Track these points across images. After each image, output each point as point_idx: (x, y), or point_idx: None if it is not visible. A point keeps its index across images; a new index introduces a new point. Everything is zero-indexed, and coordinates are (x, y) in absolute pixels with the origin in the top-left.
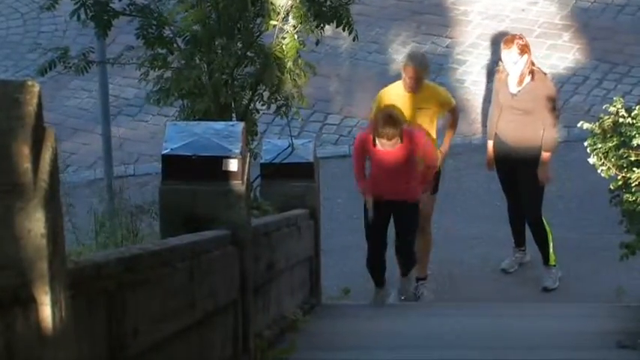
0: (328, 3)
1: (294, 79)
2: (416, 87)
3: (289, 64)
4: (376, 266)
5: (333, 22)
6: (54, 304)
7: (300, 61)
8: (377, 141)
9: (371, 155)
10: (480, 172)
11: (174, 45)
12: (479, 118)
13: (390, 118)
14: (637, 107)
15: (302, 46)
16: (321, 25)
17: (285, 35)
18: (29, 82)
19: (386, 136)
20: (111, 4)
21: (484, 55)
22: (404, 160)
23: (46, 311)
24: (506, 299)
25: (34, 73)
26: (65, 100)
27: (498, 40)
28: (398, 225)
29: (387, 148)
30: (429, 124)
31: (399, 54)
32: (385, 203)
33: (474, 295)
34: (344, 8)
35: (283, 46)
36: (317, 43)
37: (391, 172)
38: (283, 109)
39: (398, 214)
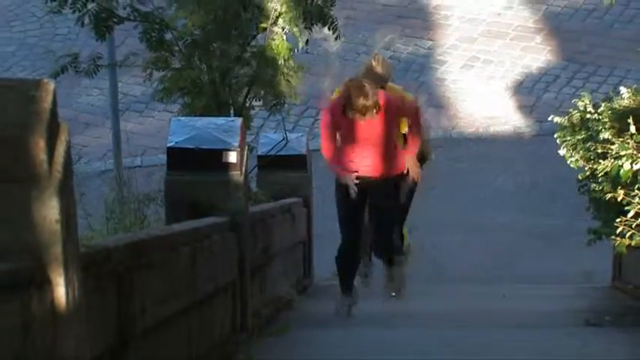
0: (314, 3)
1: (287, 80)
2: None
3: (280, 62)
4: (349, 262)
5: (319, 22)
6: (67, 284)
7: (291, 61)
8: (349, 112)
9: (342, 127)
10: (459, 163)
11: (176, 48)
12: (458, 113)
13: (363, 87)
14: (603, 104)
15: (292, 47)
16: (309, 25)
17: (274, 37)
18: (44, 81)
19: (362, 108)
20: (116, 11)
21: (463, 56)
22: (381, 129)
23: (60, 291)
24: (484, 281)
25: (49, 74)
26: (78, 97)
27: (476, 43)
28: (374, 210)
29: (361, 118)
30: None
31: (385, 55)
32: (361, 182)
33: (454, 276)
34: (328, 9)
35: (273, 47)
36: (307, 42)
37: (367, 143)
38: (277, 106)
39: (375, 195)
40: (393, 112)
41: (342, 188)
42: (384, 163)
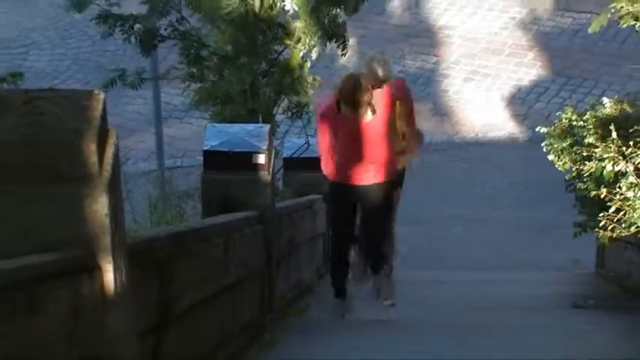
0: (331, 24)
1: (305, 91)
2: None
3: (297, 73)
4: (342, 266)
5: (333, 39)
6: (115, 271)
7: (307, 74)
8: (343, 109)
9: (338, 128)
10: (461, 164)
11: (210, 62)
12: (460, 120)
13: (358, 83)
14: (588, 113)
15: (306, 61)
16: (325, 42)
17: (295, 52)
18: (95, 92)
19: (359, 104)
20: (159, 31)
21: (464, 70)
22: (376, 131)
23: (109, 277)
24: (481, 268)
25: (99, 85)
26: (125, 106)
27: (476, 58)
28: (365, 215)
29: (355, 117)
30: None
31: (395, 69)
32: (353, 188)
33: (455, 264)
34: (342, 28)
35: (294, 60)
36: (318, 54)
37: (361, 145)
38: (298, 114)
39: (367, 199)
40: (392, 105)
41: (334, 189)
42: (378, 166)
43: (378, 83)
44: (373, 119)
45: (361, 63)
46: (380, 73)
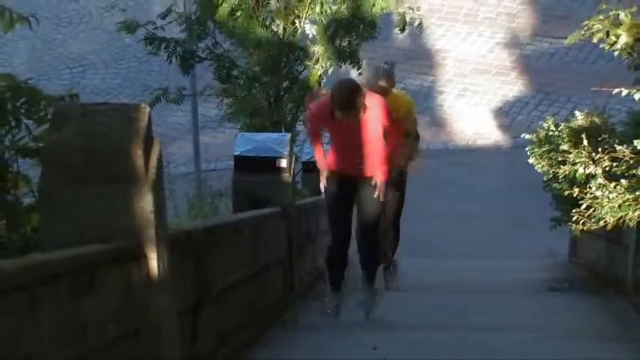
0: (346, 48)
1: None
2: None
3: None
4: (339, 260)
5: (348, 60)
6: (159, 258)
7: (324, 90)
8: (336, 112)
9: (329, 127)
10: (453, 168)
11: (240, 81)
12: (453, 130)
13: (351, 88)
14: (562, 124)
15: (323, 79)
16: (340, 63)
17: (313, 72)
18: (142, 105)
19: (348, 109)
20: (197, 53)
21: (457, 88)
22: (367, 129)
23: (153, 264)
24: (468, 257)
25: (146, 101)
26: (167, 117)
27: (467, 77)
28: (361, 209)
29: (348, 120)
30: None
31: (398, 86)
32: (349, 180)
33: (447, 252)
34: (355, 52)
35: (312, 79)
36: (328, 71)
37: (354, 143)
38: None
39: (363, 195)
40: (378, 116)
41: (331, 187)
42: (369, 166)
43: (379, 89)
44: (364, 121)
45: (370, 69)
46: (382, 83)
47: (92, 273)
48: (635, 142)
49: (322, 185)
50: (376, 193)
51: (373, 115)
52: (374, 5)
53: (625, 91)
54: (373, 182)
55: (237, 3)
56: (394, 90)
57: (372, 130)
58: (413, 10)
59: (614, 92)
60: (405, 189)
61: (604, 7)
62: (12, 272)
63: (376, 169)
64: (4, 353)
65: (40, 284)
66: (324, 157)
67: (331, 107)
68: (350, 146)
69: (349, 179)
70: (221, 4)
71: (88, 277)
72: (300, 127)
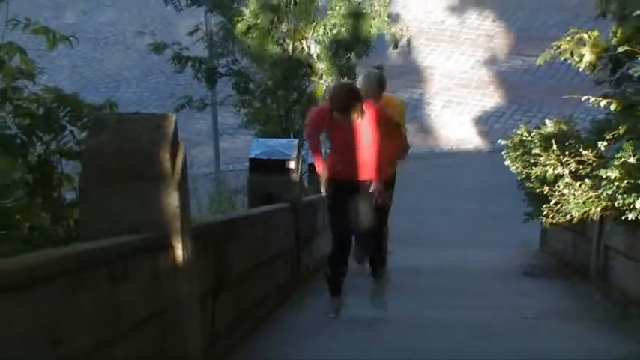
0: (345, 65)
1: None
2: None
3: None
4: (340, 263)
5: (346, 76)
6: (183, 248)
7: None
8: (335, 115)
9: (329, 130)
10: (439, 170)
11: (255, 93)
12: (439, 137)
13: (350, 90)
14: (534, 131)
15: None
16: (342, 78)
17: (318, 86)
18: (169, 114)
19: (347, 109)
20: (218, 69)
21: (443, 100)
22: (364, 134)
23: (179, 252)
24: (451, 246)
25: (172, 110)
26: (191, 125)
27: (451, 90)
28: (359, 212)
29: (346, 123)
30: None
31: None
32: (348, 186)
33: (431, 242)
34: (353, 68)
35: (318, 92)
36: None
37: (352, 147)
38: None
39: (360, 198)
40: (378, 121)
41: (331, 190)
42: (367, 169)
43: (372, 93)
44: (362, 124)
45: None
46: (373, 86)
47: (125, 260)
48: (600, 144)
49: (323, 190)
50: (374, 195)
51: (369, 120)
52: (371, 28)
53: (592, 99)
54: (371, 187)
55: (253, 22)
56: (386, 93)
57: (369, 135)
58: (402, 30)
59: (582, 99)
60: (393, 191)
61: (571, 30)
62: (56, 259)
63: (373, 173)
64: (51, 330)
65: (81, 270)
66: (323, 163)
67: (330, 110)
68: (348, 150)
69: (348, 185)
70: (239, 22)
71: (122, 263)
72: None
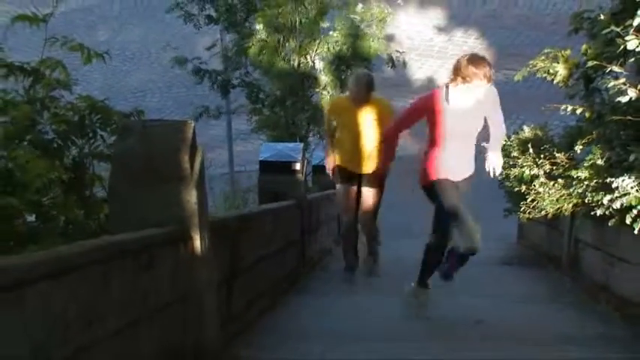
0: (346, 78)
1: None
2: (363, 99)
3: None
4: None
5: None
6: (201, 240)
7: None
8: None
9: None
10: None
11: (265, 102)
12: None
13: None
14: (513, 136)
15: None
16: (343, 89)
17: (322, 96)
18: (188, 121)
19: (365, 94)
20: (233, 81)
21: None
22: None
23: (197, 244)
24: None
25: (191, 118)
26: (208, 130)
27: None
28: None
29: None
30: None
31: None
32: (352, 174)
33: (421, 235)
34: None
35: (322, 101)
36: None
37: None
38: (322, 137)
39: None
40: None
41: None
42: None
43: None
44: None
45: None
46: (363, 86)
47: (150, 251)
48: (576, 147)
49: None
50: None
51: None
52: (370, 48)
53: (570, 108)
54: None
55: (263, 44)
56: (375, 95)
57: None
58: (399, 51)
59: (561, 108)
60: (383, 187)
61: (546, 49)
62: (90, 250)
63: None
64: (85, 312)
65: (112, 259)
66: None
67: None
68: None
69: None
70: (251, 47)
71: (148, 254)
72: (311, 138)
